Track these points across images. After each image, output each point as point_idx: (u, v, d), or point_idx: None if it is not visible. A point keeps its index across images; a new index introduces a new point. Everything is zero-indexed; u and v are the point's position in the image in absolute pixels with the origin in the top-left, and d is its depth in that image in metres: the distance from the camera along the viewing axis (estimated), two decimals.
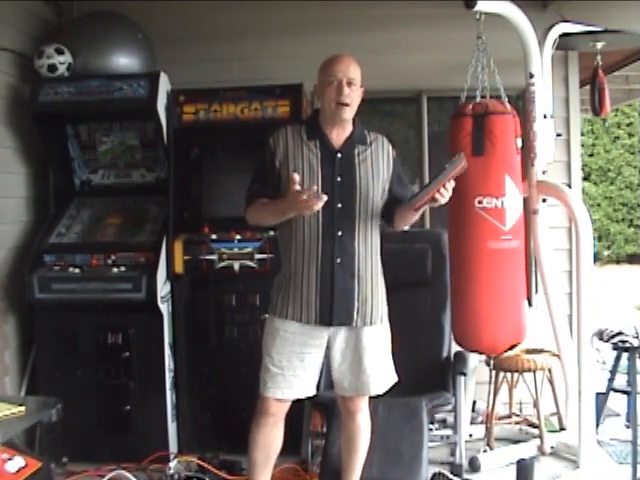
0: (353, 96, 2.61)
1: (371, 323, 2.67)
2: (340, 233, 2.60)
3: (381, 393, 2.74)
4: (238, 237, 3.68)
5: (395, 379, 2.76)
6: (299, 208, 2.44)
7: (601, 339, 3.58)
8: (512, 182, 3.36)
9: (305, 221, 2.59)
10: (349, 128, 2.68)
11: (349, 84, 2.59)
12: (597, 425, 3.66)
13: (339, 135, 2.67)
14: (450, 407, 3.46)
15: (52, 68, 3.76)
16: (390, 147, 2.75)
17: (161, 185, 3.90)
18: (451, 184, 2.49)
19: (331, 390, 2.96)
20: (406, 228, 2.90)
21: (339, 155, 2.64)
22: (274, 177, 2.64)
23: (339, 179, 2.61)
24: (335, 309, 2.61)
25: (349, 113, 2.63)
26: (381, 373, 2.72)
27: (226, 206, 3.74)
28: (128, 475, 3.39)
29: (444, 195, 2.49)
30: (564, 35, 3.77)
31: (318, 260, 2.60)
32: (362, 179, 2.63)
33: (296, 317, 2.63)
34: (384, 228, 2.76)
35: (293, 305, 2.63)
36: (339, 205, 2.59)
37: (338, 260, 2.60)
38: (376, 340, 2.70)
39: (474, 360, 3.73)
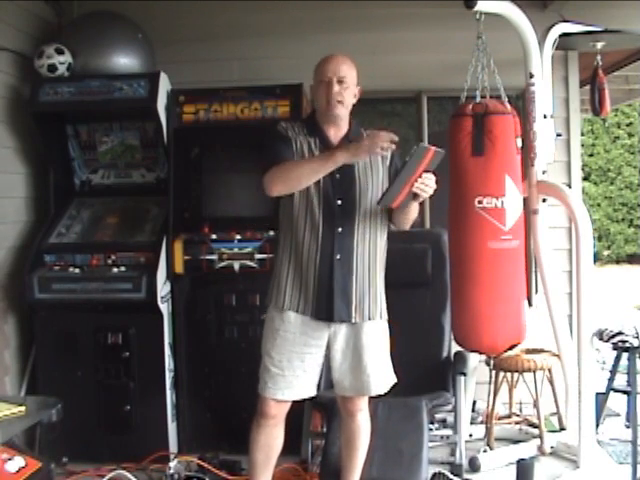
0: (344, 94, 2.61)
1: (370, 318, 2.67)
2: (340, 229, 2.60)
3: (381, 393, 2.74)
4: (238, 237, 3.68)
5: (395, 379, 2.76)
6: (373, 144, 2.44)
7: (601, 339, 3.58)
8: (512, 182, 3.36)
9: (306, 217, 2.60)
10: (345, 127, 2.69)
11: (340, 82, 2.60)
12: (597, 425, 3.65)
13: (336, 134, 2.68)
14: (450, 407, 3.46)
15: (52, 68, 3.76)
16: None
17: (161, 185, 3.90)
18: (430, 176, 2.48)
19: (331, 390, 2.95)
20: (406, 227, 2.89)
21: None
22: (290, 149, 2.62)
23: (338, 176, 2.60)
24: (335, 306, 2.61)
25: (341, 110, 2.63)
26: (381, 373, 2.72)
27: (226, 206, 3.76)
28: (128, 475, 3.39)
29: (424, 189, 2.49)
30: (564, 35, 3.76)
31: (317, 256, 2.60)
32: (361, 176, 2.64)
33: (293, 307, 2.64)
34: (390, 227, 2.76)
35: (291, 295, 2.64)
36: (339, 202, 2.60)
37: (338, 256, 2.61)
38: (376, 337, 2.70)
39: (474, 360, 3.73)
